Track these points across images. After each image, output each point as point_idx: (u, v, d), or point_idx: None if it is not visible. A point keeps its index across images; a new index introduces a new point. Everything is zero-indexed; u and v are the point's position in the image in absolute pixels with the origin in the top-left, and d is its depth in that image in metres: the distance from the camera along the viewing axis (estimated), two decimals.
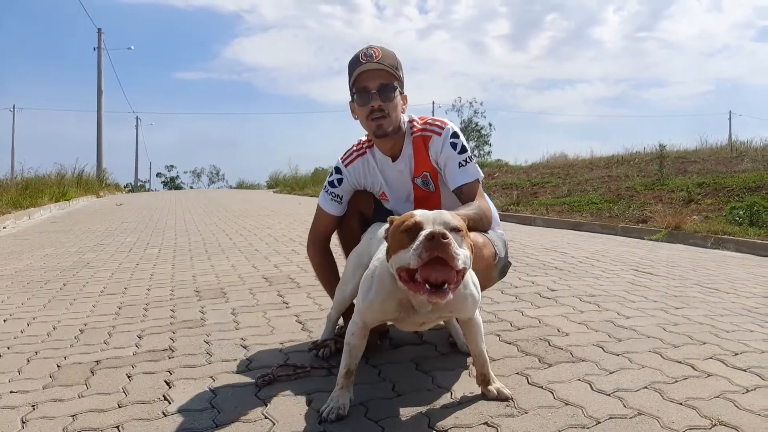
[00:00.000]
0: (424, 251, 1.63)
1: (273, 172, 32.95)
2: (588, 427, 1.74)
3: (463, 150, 2.47)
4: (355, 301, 2.14)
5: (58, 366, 2.43)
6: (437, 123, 2.52)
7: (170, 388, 2.14)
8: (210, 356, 2.51)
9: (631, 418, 1.80)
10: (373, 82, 2.39)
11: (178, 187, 60.05)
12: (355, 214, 2.66)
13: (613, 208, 9.34)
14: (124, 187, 33.59)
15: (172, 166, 70.07)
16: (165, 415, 1.90)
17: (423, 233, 1.66)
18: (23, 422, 1.88)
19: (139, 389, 2.14)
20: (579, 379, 2.13)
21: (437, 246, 1.62)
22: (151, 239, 7.21)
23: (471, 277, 1.92)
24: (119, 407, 1.97)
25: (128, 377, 2.27)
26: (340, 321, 2.60)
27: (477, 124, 46.46)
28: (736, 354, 2.40)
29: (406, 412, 1.89)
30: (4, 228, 8.67)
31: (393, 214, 2.18)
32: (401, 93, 2.48)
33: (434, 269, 1.64)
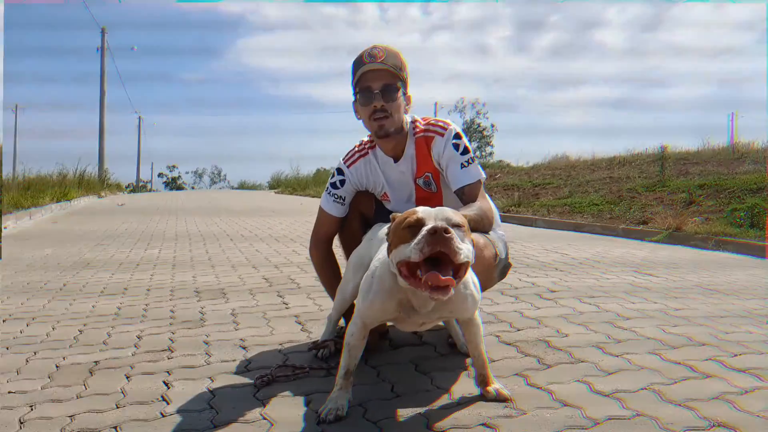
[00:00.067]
0: (426, 245, 1.63)
1: (275, 172, 33.06)
2: (586, 428, 1.74)
3: (465, 151, 2.46)
4: (355, 302, 2.14)
5: (56, 366, 2.43)
6: (440, 124, 2.52)
7: (169, 388, 2.14)
8: (209, 357, 2.51)
9: (629, 419, 1.79)
10: (376, 82, 2.39)
11: (179, 188, 60.07)
12: (356, 216, 2.66)
13: (614, 209, 9.33)
14: (126, 187, 33.59)
15: (174, 166, 70.06)
16: (163, 416, 1.90)
17: (425, 228, 1.66)
18: (21, 423, 1.87)
19: (138, 390, 2.13)
20: (578, 380, 2.13)
21: (439, 240, 1.62)
22: (151, 240, 7.21)
23: (471, 278, 1.92)
24: (118, 408, 1.97)
25: (127, 378, 2.27)
26: (342, 322, 2.60)
27: (479, 125, 46.50)
28: (736, 355, 2.40)
29: (404, 413, 1.88)
30: (5, 228, 8.68)
31: None
32: (405, 93, 2.48)
33: (438, 271, 1.64)
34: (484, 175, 2.51)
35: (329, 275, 2.72)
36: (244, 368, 2.35)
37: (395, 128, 2.45)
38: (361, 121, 2.51)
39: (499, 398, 1.95)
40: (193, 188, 58.54)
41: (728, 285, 4.05)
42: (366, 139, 2.64)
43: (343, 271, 2.57)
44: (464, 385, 2.11)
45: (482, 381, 2.00)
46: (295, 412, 1.92)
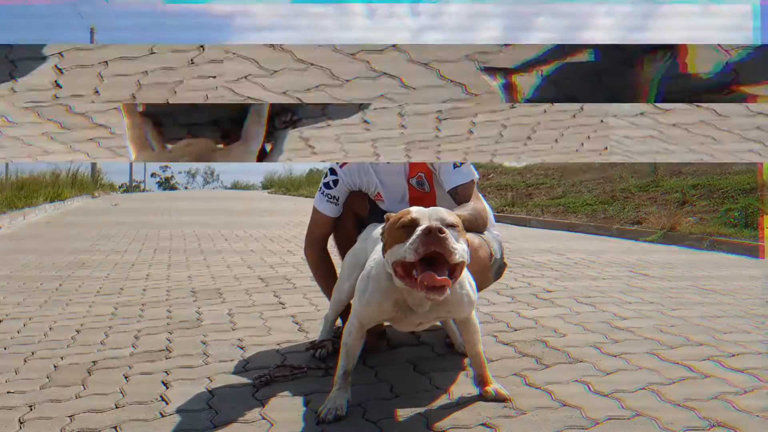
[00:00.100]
0: (420, 245, 1.63)
1: (268, 172, 33.00)
2: (586, 428, 1.74)
3: None
4: (352, 302, 2.14)
5: (55, 366, 2.42)
6: None
7: (168, 388, 2.14)
8: (207, 357, 2.50)
9: (629, 419, 1.80)
10: None
11: (173, 188, 59.86)
12: (350, 216, 2.66)
13: (608, 209, 9.36)
14: (119, 187, 33.46)
15: (167, 166, 69.76)
16: (163, 416, 1.90)
17: (420, 228, 1.66)
18: (21, 423, 1.87)
19: (137, 390, 2.13)
20: (576, 380, 2.13)
21: (434, 240, 1.62)
22: (146, 240, 7.19)
23: (467, 278, 1.93)
24: (117, 408, 1.97)
25: (125, 378, 2.27)
26: (338, 321, 2.60)
27: None
28: (733, 355, 2.41)
29: (403, 413, 1.89)
30: None
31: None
32: None
33: (434, 271, 1.64)
34: (477, 176, 2.52)
35: (325, 275, 2.72)
36: (242, 368, 2.35)
37: None
38: None
39: (498, 398, 1.95)
40: (186, 188, 58.34)
41: (724, 285, 4.06)
42: None
43: (338, 270, 2.57)
44: (463, 385, 2.11)
45: (481, 381, 2.01)
46: (294, 412, 1.92)
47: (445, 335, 2.59)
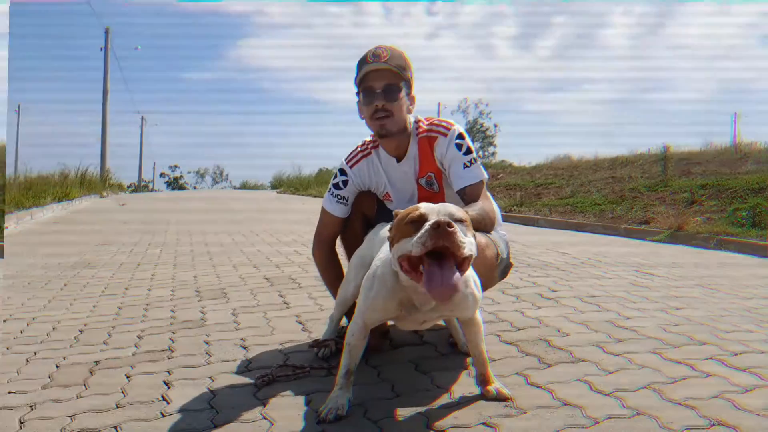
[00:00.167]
0: (428, 239, 1.63)
1: (277, 172, 33.01)
2: (587, 427, 1.73)
3: (468, 151, 2.47)
4: (356, 301, 2.14)
5: (57, 366, 2.43)
6: (443, 124, 2.52)
7: (169, 388, 2.14)
8: (209, 357, 2.51)
9: (630, 418, 1.79)
10: (379, 82, 2.40)
11: (181, 188, 60.04)
12: (358, 216, 2.66)
13: (616, 209, 9.32)
14: (128, 187, 33.60)
15: (176, 166, 70.02)
16: (164, 416, 1.90)
17: (428, 223, 1.66)
18: (21, 423, 1.88)
19: (138, 390, 2.14)
20: (578, 380, 2.13)
21: (442, 234, 1.62)
22: (153, 239, 7.21)
23: (473, 276, 1.92)
24: (118, 408, 1.97)
25: (127, 378, 2.27)
26: (343, 321, 2.60)
27: (482, 125, 46.53)
28: (736, 354, 2.39)
29: (405, 413, 1.88)
30: (6, 228, 8.69)
31: None
32: (408, 94, 2.48)
33: (441, 265, 1.64)
34: (486, 176, 2.51)
35: (332, 276, 2.71)
36: (244, 368, 2.35)
37: (397, 128, 2.46)
38: (364, 120, 2.51)
39: (500, 397, 1.94)
40: (194, 188, 58.50)
41: (729, 284, 4.04)
42: (369, 138, 2.64)
43: (345, 271, 2.57)
44: (464, 385, 2.10)
45: (483, 380, 2.00)
46: (295, 411, 1.92)
47: (448, 334, 2.59)
